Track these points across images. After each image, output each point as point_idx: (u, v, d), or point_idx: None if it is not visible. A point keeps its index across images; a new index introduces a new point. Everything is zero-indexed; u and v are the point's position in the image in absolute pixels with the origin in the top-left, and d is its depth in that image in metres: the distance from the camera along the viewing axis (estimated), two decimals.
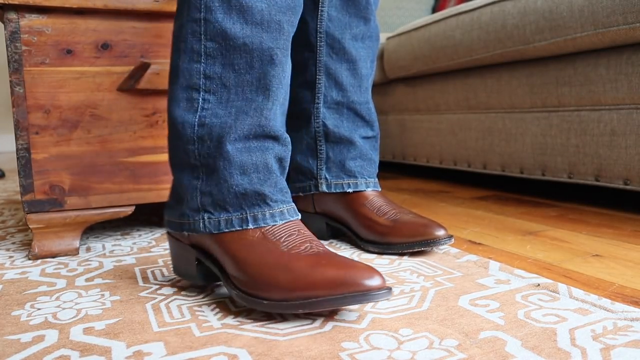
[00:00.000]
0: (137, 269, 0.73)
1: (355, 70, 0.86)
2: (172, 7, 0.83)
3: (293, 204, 0.62)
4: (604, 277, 0.67)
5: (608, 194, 1.28)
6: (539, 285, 0.62)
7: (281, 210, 0.60)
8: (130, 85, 0.83)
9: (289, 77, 0.64)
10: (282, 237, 0.57)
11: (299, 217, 0.62)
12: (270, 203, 0.59)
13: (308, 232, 0.59)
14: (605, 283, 0.64)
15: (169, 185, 0.88)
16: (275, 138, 0.61)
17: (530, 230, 0.92)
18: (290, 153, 0.64)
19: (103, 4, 0.79)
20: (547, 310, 0.55)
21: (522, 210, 1.11)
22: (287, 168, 0.66)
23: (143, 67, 0.83)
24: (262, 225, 0.58)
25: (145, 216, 1.13)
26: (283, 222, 0.59)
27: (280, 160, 0.62)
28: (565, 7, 1.03)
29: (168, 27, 0.85)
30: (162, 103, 0.86)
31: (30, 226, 0.79)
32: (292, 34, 0.62)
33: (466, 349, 0.47)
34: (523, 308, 0.56)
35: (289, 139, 0.64)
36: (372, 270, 0.53)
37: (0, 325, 0.54)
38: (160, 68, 0.84)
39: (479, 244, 0.85)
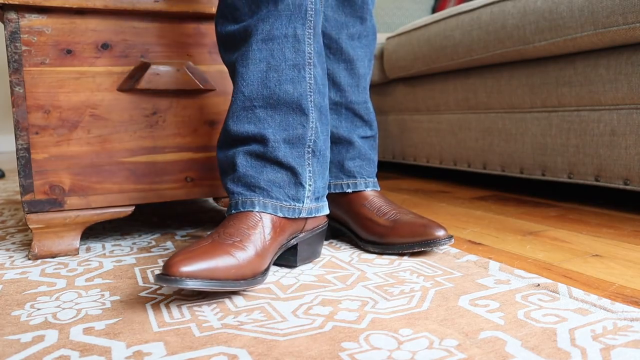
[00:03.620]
0: (137, 269, 0.73)
1: (352, 70, 0.85)
2: (172, 7, 0.83)
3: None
4: (604, 277, 0.67)
5: (608, 194, 1.28)
6: (539, 285, 0.62)
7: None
8: (130, 85, 0.83)
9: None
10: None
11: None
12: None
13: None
14: (605, 283, 0.64)
15: (168, 186, 0.88)
16: None
17: (530, 230, 0.92)
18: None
19: (103, 4, 0.79)
20: (547, 310, 0.55)
21: (522, 210, 1.11)
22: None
23: (143, 67, 0.83)
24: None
25: (145, 216, 1.13)
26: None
27: None
28: (565, 7, 1.03)
29: (168, 27, 0.85)
30: (162, 103, 0.86)
31: (30, 226, 0.79)
32: None
33: (466, 349, 0.47)
34: (523, 308, 0.56)
35: None
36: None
37: (0, 325, 0.54)
38: (160, 68, 0.84)
39: (479, 244, 0.85)
